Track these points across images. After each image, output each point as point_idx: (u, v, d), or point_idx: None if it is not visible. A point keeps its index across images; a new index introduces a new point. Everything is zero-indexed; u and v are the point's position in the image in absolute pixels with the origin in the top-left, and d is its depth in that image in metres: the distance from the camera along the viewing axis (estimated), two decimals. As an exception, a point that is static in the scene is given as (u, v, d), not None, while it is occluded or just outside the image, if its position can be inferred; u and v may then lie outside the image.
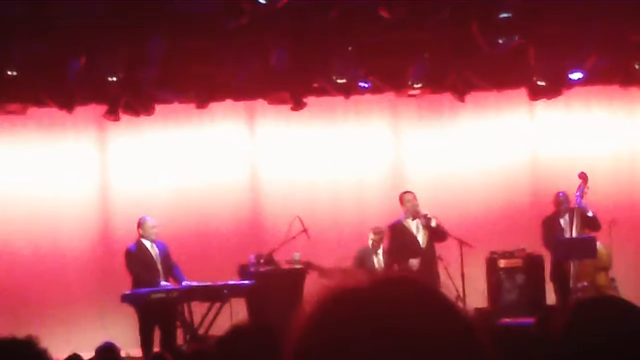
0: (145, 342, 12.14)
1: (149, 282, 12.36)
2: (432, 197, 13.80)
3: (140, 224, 12.77)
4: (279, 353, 1.43)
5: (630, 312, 2.41)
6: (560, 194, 13.15)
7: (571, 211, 12.93)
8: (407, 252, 12.98)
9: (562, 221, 13.06)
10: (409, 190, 13.49)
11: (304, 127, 15.25)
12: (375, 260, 13.25)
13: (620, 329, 2.35)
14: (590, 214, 12.90)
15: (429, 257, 12.95)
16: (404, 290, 1.40)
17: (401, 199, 13.29)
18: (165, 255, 12.72)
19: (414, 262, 12.85)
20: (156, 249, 12.66)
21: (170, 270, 12.67)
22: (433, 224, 12.97)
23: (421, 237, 13.02)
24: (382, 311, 1.36)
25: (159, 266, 12.57)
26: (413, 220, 13.10)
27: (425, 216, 13.00)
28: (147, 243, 12.66)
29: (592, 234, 12.98)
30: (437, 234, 13.05)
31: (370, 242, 13.32)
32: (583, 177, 12.96)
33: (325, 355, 1.35)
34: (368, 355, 1.33)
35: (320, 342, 1.36)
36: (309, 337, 1.38)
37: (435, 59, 13.30)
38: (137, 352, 12.15)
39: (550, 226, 13.12)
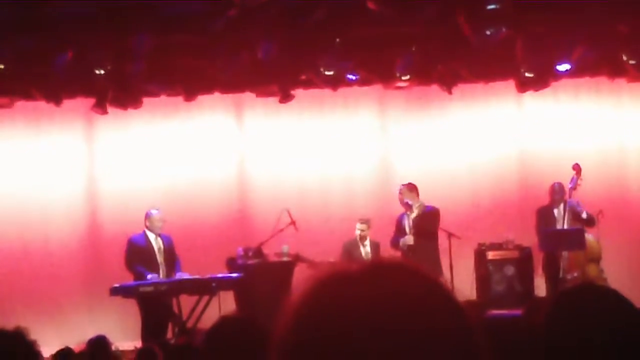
0: (148, 334, 12.01)
1: (145, 275, 12.31)
2: (421, 188, 13.73)
3: (146, 216, 12.75)
4: (267, 345, 1.41)
5: (613, 300, 2.42)
6: (556, 185, 13.16)
7: (565, 202, 12.94)
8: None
9: (555, 212, 13.08)
10: (404, 182, 13.35)
11: (292, 119, 15.24)
12: (362, 251, 13.20)
13: (602, 316, 2.35)
14: (584, 215, 12.88)
15: (419, 252, 12.79)
16: (394, 275, 1.37)
17: None
18: (169, 249, 12.70)
19: (407, 239, 12.75)
20: (160, 243, 12.64)
21: (173, 264, 12.65)
22: (413, 215, 12.93)
23: (408, 230, 12.94)
24: (372, 296, 1.32)
25: (160, 259, 12.54)
26: (406, 212, 13.04)
27: (406, 204, 12.96)
28: (151, 235, 12.65)
29: (588, 229, 13.02)
30: (419, 224, 12.94)
31: (357, 233, 13.26)
32: (577, 168, 12.94)
33: (315, 344, 1.32)
34: (359, 342, 1.29)
35: (308, 331, 1.33)
36: (296, 326, 1.35)
37: (422, 51, 13.28)
38: (127, 345, 12.12)
39: (543, 216, 13.15)
